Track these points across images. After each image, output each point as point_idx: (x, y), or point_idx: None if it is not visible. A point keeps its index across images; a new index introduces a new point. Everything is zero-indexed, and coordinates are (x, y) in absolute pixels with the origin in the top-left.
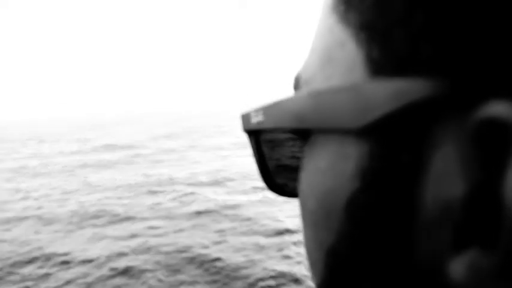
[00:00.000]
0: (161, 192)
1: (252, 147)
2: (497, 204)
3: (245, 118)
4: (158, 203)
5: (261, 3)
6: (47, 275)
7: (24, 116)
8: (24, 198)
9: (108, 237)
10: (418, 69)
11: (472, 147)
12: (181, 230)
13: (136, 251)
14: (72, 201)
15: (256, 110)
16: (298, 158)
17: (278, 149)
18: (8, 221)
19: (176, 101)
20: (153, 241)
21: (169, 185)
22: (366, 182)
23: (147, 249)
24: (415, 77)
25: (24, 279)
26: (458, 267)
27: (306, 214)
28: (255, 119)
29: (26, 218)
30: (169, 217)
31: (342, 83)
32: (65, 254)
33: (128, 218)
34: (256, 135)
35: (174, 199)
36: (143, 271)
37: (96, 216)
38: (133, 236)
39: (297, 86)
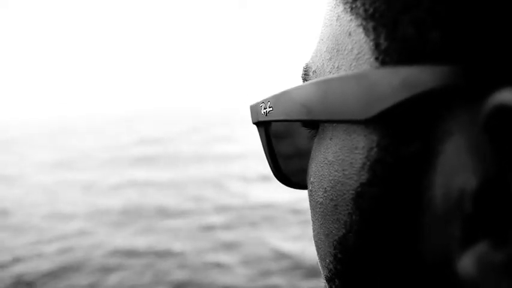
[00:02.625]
0: (213, 187)
1: (261, 138)
2: (508, 197)
3: (254, 109)
4: (213, 198)
5: (260, 3)
6: (114, 268)
7: (25, 116)
8: (73, 192)
9: (171, 230)
10: (426, 57)
11: (483, 137)
12: (251, 224)
13: (207, 242)
14: (120, 195)
15: (265, 100)
16: (308, 149)
17: (287, 140)
18: (63, 215)
19: (177, 99)
20: (223, 235)
21: (219, 179)
22: (375, 174)
23: (219, 241)
24: (424, 65)
25: (92, 271)
26: (467, 261)
27: (315, 206)
28: (264, 109)
29: (78, 211)
30: (231, 211)
31: (350, 72)
32: (128, 246)
33: (187, 212)
34: (265, 126)
35: (229, 193)
36: (223, 263)
37: (151, 210)
38: (202, 229)
39: (306, 76)
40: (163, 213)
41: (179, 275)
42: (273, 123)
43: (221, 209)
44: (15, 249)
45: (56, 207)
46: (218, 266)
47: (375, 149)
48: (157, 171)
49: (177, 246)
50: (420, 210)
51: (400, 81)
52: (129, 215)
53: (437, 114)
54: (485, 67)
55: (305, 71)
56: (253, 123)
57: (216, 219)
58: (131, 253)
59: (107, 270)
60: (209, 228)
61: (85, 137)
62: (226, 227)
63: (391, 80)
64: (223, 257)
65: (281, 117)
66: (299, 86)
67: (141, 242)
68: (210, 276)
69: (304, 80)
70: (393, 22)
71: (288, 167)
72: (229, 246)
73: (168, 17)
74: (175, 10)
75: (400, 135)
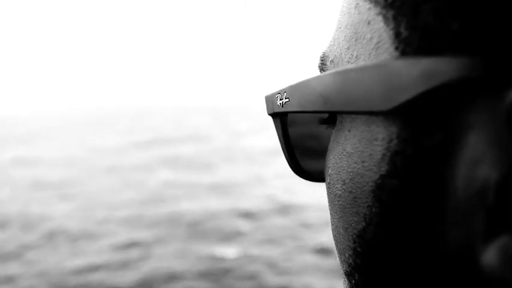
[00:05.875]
0: (265, 185)
1: (277, 130)
2: None
3: (269, 100)
4: (276, 198)
5: (265, 4)
6: (214, 273)
7: (40, 110)
8: (116, 196)
9: (251, 234)
10: (448, 47)
11: (505, 129)
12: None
13: (294, 244)
14: (175, 200)
15: (281, 91)
16: (325, 141)
17: (304, 131)
18: (118, 220)
19: (184, 97)
20: (307, 235)
21: (268, 178)
22: (395, 166)
23: (307, 243)
24: (446, 55)
25: (191, 278)
26: (490, 254)
27: (333, 199)
28: (280, 100)
29: (131, 216)
30: (301, 211)
31: (369, 62)
32: (216, 253)
33: (258, 214)
34: (281, 118)
35: (290, 193)
36: (321, 266)
37: (218, 213)
38: (282, 230)
39: (323, 65)
40: (234, 214)
41: (278, 281)
42: (289, 115)
43: (287, 209)
44: (88, 255)
45: (108, 210)
46: (317, 269)
47: (395, 141)
48: (198, 171)
49: (265, 251)
50: (441, 202)
51: (420, 72)
52: (195, 220)
53: (458, 105)
54: (507, 59)
55: (322, 60)
56: (269, 114)
57: (290, 220)
58: (220, 261)
59: (205, 276)
60: (288, 229)
61: (103, 133)
62: (307, 227)
63: (412, 70)
64: (318, 260)
65: (298, 109)
66: (317, 77)
67: (227, 249)
68: (312, 281)
69: (321, 69)
70: (413, 11)
71: (304, 159)
72: (319, 248)
73: (175, 15)
74: (184, 8)
75: (421, 127)
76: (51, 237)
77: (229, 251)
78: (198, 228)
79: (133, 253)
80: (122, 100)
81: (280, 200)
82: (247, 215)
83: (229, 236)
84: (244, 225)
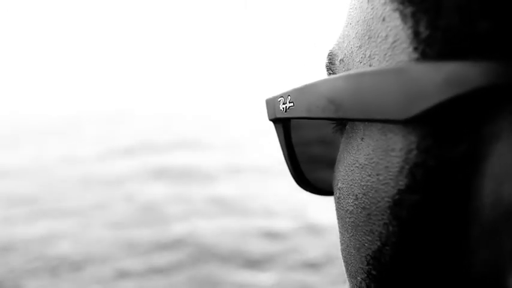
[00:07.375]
0: (283, 201)
1: (279, 137)
2: None
3: (270, 104)
4: (294, 212)
5: (264, 5)
6: None
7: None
8: (115, 213)
9: (283, 259)
10: (473, 50)
11: None
12: None
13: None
14: (172, 223)
15: (284, 94)
16: (334, 150)
17: (310, 139)
18: (116, 241)
19: (182, 100)
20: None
21: (290, 193)
22: (415, 179)
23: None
24: (472, 59)
25: None
26: None
27: (344, 215)
28: (283, 105)
29: (124, 238)
30: (326, 230)
31: (385, 64)
32: (247, 280)
33: (284, 234)
34: (284, 123)
35: (314, 207)
36: None
37: (243, 235)
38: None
39: (331, 65)
40: (256, 234)
41: None
42: (293, 120)
43: (317, 228)
44: (91, 283)
45: (99, 230)
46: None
47: (415, 151)
48: (197, 183)
49: (305, 277)
50: (466, 219)
51: (444, 78)
52: (209, 242)
53: (485, 114)
54: None
55: (330, 59)
56: (270, 119)
57: (323, 240)
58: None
59: None
60: (323, 250)
61: (72, 139)
62: None
63: (434, 76)
64: None
65: (304, 115)
66: (326, 80)
67: (259, 276)
68: None
69: (329, 69)
70: (435, 8)
71: (310, 170)
72: None
73: (173, 13)
74: (182, 6)
75: (443, 136)
76: (41, 262)
77: (262, 278)
78: (215, 252)
79: (145, 281)
80: (97, 103)
81: (308, 217)
82: (273, 235)
83: (258, 261)
84: (272, 246)
